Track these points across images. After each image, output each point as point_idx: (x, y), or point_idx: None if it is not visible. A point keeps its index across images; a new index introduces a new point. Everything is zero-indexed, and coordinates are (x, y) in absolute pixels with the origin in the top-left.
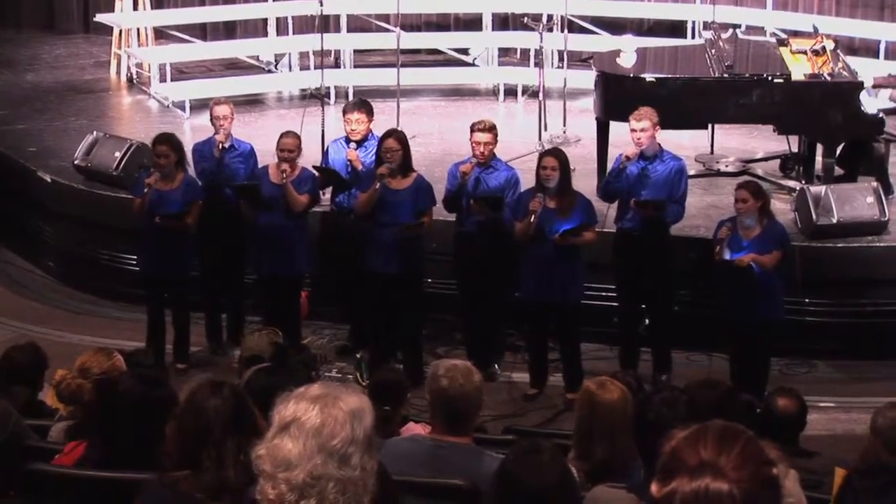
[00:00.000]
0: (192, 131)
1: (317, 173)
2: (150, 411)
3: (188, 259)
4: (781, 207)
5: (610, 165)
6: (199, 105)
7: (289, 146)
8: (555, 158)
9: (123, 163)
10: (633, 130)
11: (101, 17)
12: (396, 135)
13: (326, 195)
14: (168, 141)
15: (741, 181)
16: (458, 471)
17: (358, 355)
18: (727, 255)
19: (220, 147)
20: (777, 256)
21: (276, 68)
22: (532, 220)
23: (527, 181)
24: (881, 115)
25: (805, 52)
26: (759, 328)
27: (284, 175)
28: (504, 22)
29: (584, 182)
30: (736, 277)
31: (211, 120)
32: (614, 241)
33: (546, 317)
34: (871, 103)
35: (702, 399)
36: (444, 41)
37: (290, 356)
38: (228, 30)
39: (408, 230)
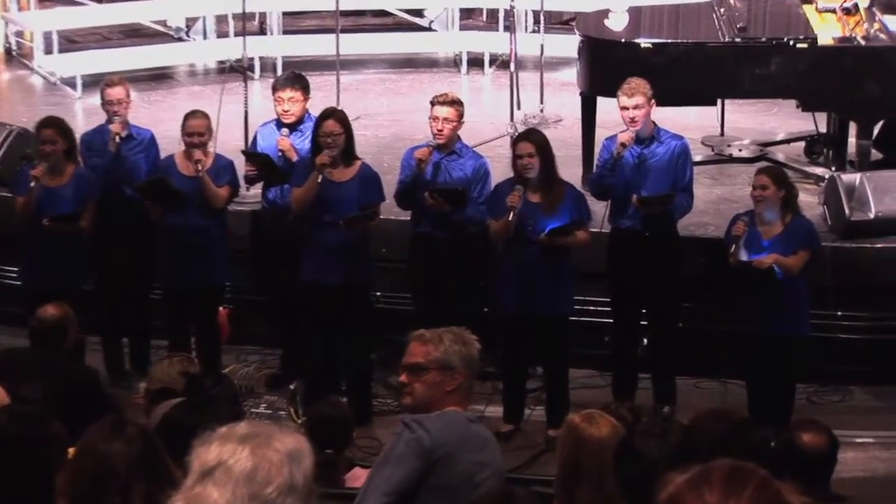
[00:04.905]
0: (85, 114)
1: (247, 162)
2: (30, 456)
3: (81, 271)
4: (807, 200)
5: (597, 150)
6: (93, 81)
7: (198, 129)
8: (530, 143)
9: (2, 153)
10: (623, 108)
11: None
12: (337, 115)
13: (256, 190)
14: (54, 125)
15: (760, 167)
16: None
17: (292, 387)
18: (744, 256)
19: (117, 139)
20: (803, 258)
21: (187, 36)
22: (510, 217)
23: (498, 172)
24: None
25: (834, 11)
26: (782, 346)
27: (200, 165)
28: None
29: (567, 172)
30: (754, 284)
31: (103, 105)
32: (609, 244)
33: (527, 335)
34: None
35: (706, 433)
36: (394, 1)
37: (208, 388)
38: None
39: (350, 224)
